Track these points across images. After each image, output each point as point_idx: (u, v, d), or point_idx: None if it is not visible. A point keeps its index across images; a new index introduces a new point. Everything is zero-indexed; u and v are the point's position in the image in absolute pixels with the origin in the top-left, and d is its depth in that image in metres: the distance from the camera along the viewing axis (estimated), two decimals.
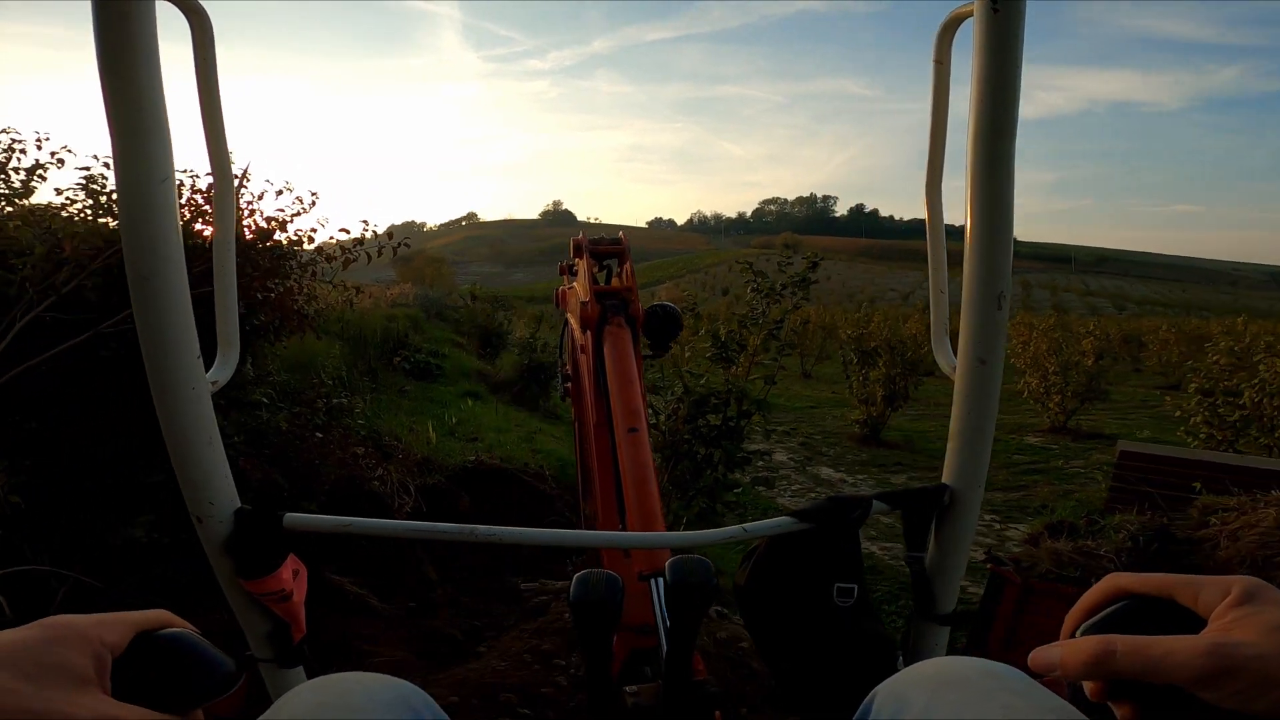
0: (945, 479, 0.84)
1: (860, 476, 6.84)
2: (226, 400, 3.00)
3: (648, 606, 0.89)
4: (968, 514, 0.83)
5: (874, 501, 0.83)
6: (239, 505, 0.75)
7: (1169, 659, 0.39)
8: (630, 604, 0.86)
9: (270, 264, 3.24)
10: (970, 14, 0.70)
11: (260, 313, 3.22)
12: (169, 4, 0.73)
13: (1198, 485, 3.05)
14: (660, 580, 0.86)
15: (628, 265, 1.44)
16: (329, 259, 3.43)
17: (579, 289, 1.44)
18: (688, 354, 4.14)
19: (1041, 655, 0.45)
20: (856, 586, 0.81)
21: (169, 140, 0.63)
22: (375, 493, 2.98)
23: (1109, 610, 0.46)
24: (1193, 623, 0.42)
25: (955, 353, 0.83)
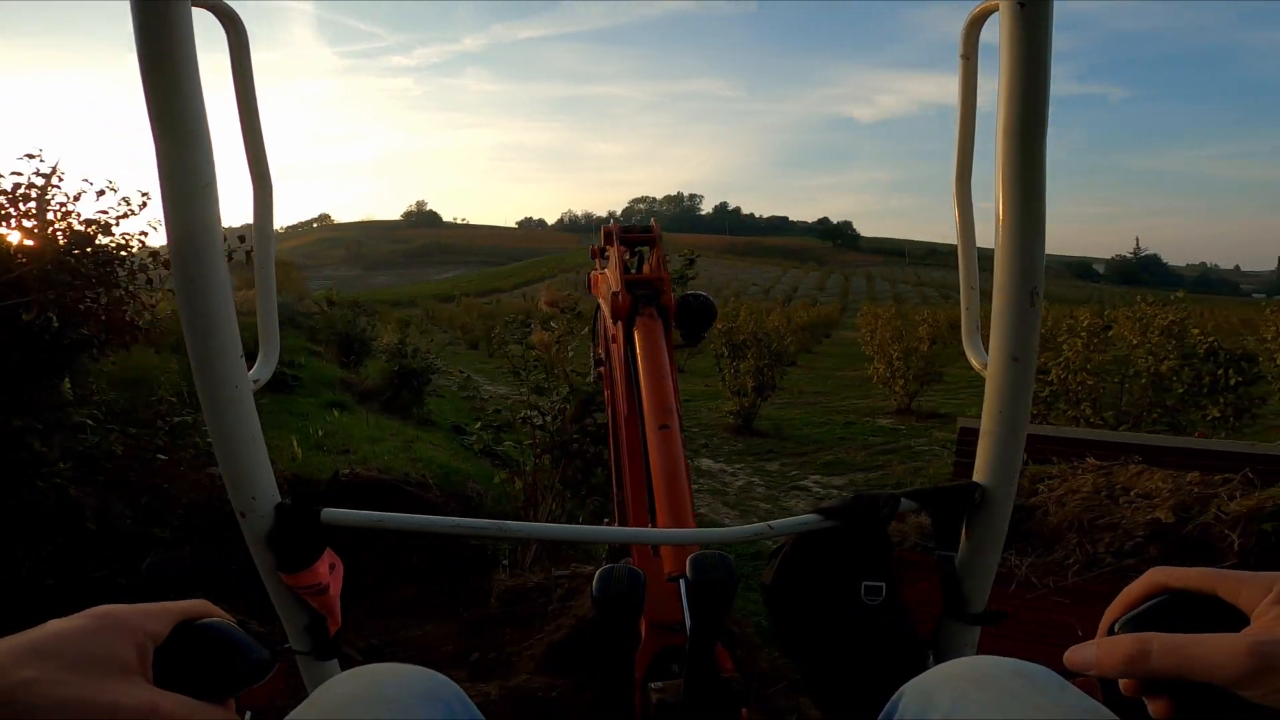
0: (976, 477, 0.82)
1: (738, 465, 7.15)
2: (44, 424, 2.63)
3: (678, 603, 0.86)
4: (1000, 512, 0.81)
5: (902, 499, 0.82)
6: (279, 500, 0.76)
7: (1207, 658, 0.38)
8: (662, 601, 0.86)
9: (93, 271, 2.92)
10: (996, 8, 0.69)
11: (83, 325, 2.87)
12: (204, 10, 0.75)
13: (1025, 456, 3.48)
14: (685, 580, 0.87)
15: (659, 253, 1.41)
16: (168, 265, 3.09)
17: (610, 277, 1.43)
18: (571, 353, 4.12)
19: (1078, 653, 0.44)
20: (885, 585, 0.81)
21: (210, 145, 0.65)
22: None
23: (1146, 606, 0.45)
24: (1235, 619, 0.41)
25: (986, 349, 0.81)
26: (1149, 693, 0.42)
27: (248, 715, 0.56)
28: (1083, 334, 7.21)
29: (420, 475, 3.88)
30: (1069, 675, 0.50)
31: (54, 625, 0.42)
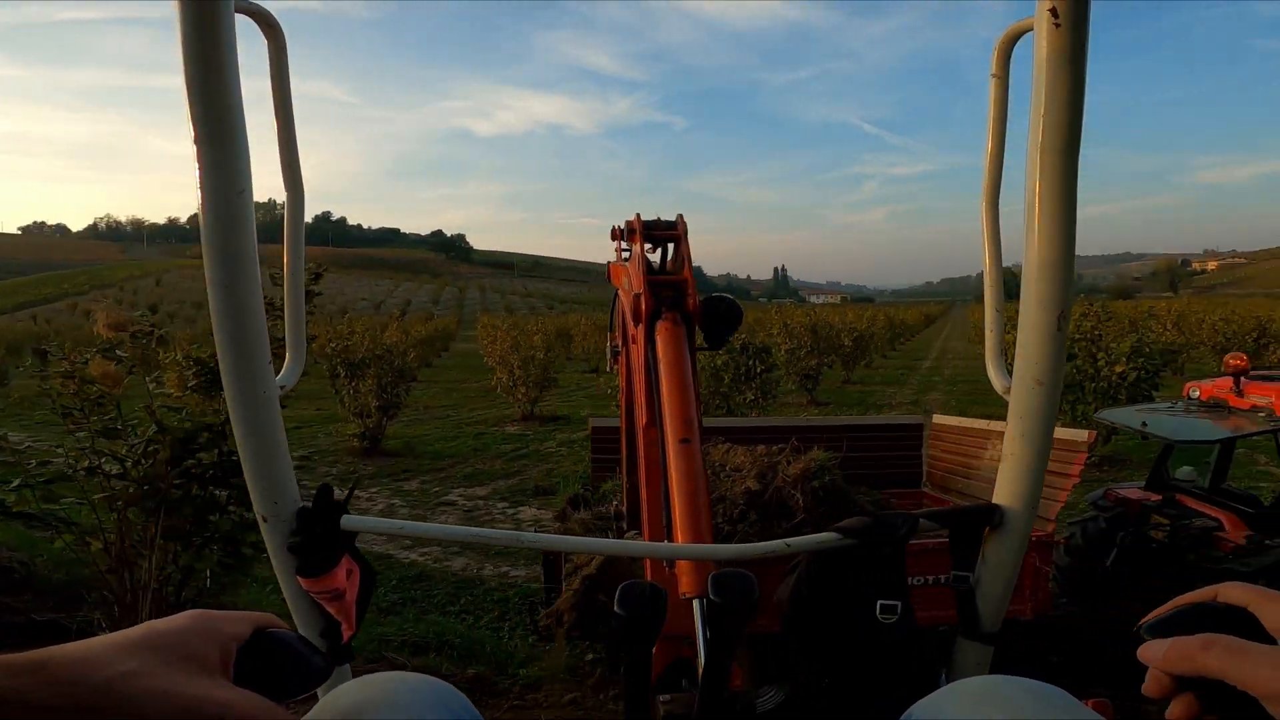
0: (997, 499, 0.81)
1: (373, 489, 6.66)
2: None
3: (690, 616, 0.84)
4: (1018, 534, 0.81)
5: (921, 520, 0.81)
6: (301, 504, 0.76)
7: (1260, 667, 0.38)
8: (674, 614, 0.80)
9: None
10: (1030, 28, 0.69)
11: None
12: (245, 18, 0.74)
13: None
14: (702, 601, 0.82)
15: (685, 250, 1.34)
16: None
17: (632, 276, 1.34)
18: (153, 385, 3.32)
19: (1150, 649, 0.43)
20: (900, 603, 0.81)
21: (247, 152, 0.65)
22: None
23: (1173, 611, 0.45)
24: (1262, 637, 0.41)
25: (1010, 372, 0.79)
26: (1180, 690, 0.42)
27: None
28: None
29: None
30: (1080, 695, 0.53)
31: (156, 624, 0.46)
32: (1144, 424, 3.98)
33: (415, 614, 3.58)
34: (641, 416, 1.22)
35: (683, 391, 1.11)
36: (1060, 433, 3.32)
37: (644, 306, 1.23)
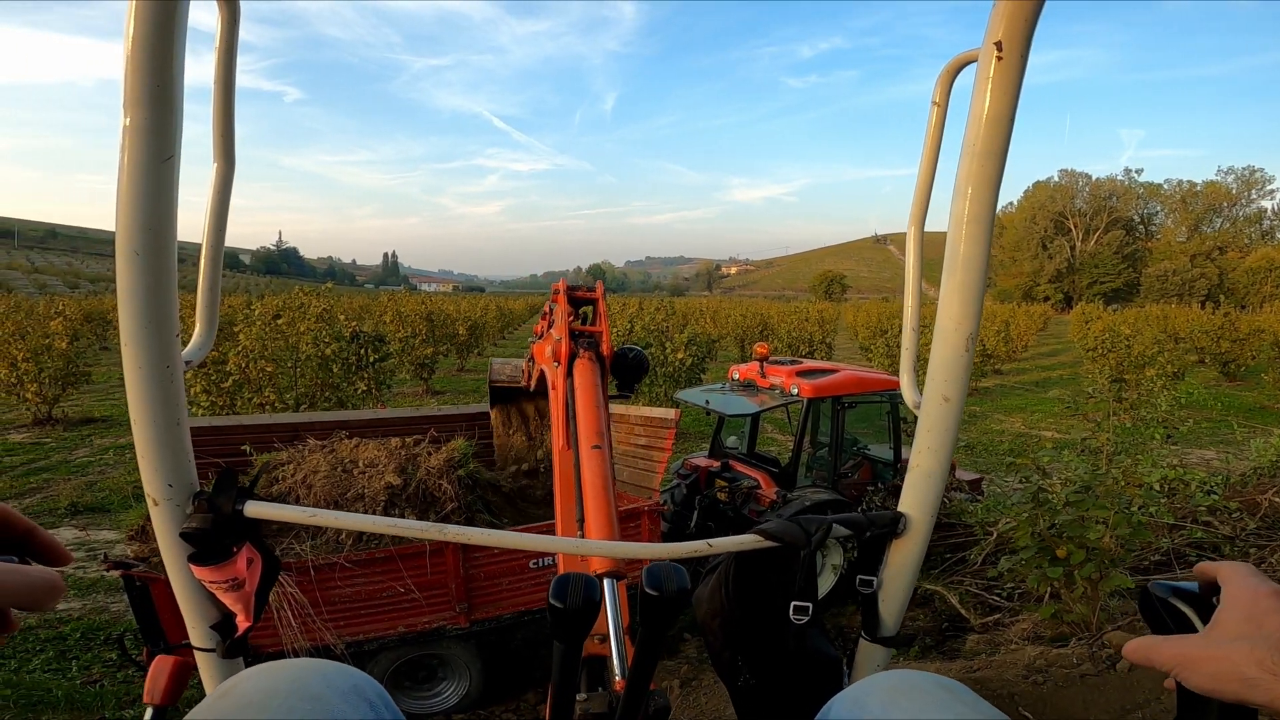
0: (902, 507, 0.86)
1: None
2: None
3: (602, 613, 0.85)
4: (919, 541, 0.86)
5: (834, 524, 0.84)
6: (199, 489, 0.75)
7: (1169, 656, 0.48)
8: None
9: None
10: (974, 59, 0.70)
11: None
12: None
13: (247, 447, 3.47)
14: (611, 581, 0.87)
15: (601, 309, 1.60)
16: None
17: (556, 329, 1.54)
18: None
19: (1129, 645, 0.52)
20: (811, 605, 0.85)
21: (180, 120, 0.64)
22: None
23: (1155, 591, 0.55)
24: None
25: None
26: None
27: (149, 712, 0.70)
28: (257, 323, 7.52)
29: None
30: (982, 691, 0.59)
31: None
32: (708, 401, 5.01)
33: None
34: (559, 442, 1.35)
35: (595, 410, 1.29)
36: (651, 411, 3.94)
37: (564, 349, 1.44)
